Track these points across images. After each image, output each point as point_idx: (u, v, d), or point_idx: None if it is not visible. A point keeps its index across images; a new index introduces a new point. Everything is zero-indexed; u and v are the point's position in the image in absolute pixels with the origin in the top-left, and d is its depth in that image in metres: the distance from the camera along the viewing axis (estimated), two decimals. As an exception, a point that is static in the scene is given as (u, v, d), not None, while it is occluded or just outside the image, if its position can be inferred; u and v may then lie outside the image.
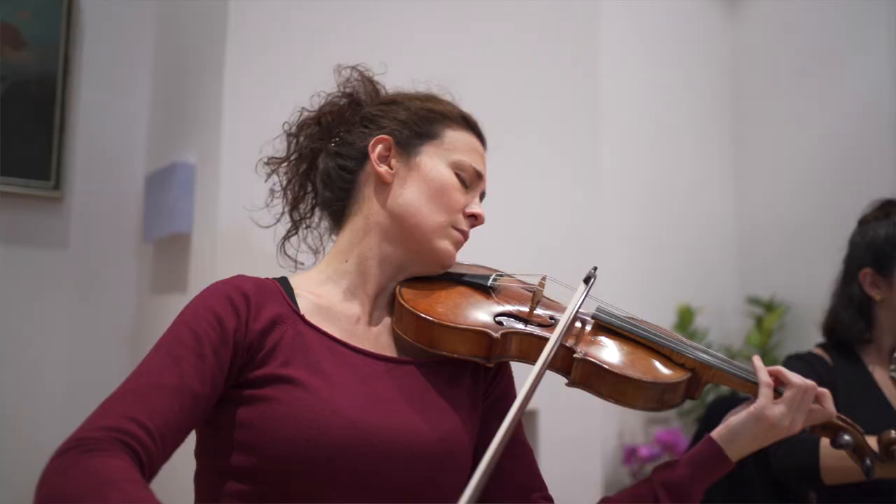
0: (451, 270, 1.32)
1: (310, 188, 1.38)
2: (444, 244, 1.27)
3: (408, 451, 1.11)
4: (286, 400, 1.08)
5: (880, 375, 1.98)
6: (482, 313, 1.23)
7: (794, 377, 1.21)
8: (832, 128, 3.47)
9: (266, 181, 1.39)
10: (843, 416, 1.29)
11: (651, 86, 3.67)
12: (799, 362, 2.03)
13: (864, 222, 2.10)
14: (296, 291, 1.23)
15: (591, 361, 1.17)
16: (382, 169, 1.27)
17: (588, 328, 1.26)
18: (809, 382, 1.20)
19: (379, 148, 1.28)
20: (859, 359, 2.00)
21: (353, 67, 1.40)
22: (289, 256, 1.39)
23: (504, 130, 2.93)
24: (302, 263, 1.38)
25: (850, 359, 2.01)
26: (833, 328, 2.06)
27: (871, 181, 2.80)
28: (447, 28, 2.70)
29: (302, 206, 1.38)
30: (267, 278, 1.24)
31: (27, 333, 2.41)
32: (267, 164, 1.38)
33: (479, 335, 1.18)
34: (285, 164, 1.38)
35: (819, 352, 2.06)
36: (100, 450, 0.95)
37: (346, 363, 1.16)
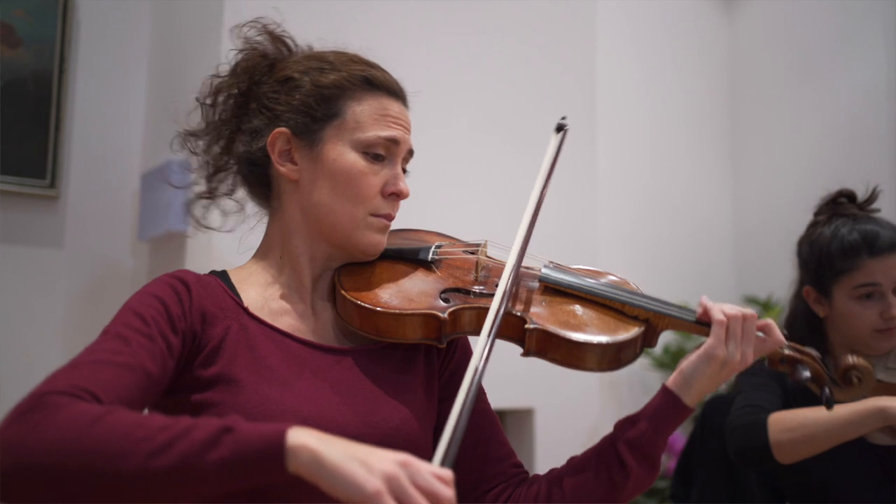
0: (389, 245, 1.25)
1: (232, 162, 1.27)
2: (367, 236, 1.20)
3: (363, 440, 1.05)
4: (234, 403, 1.05)
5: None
6: (427, 293, 1.19)
7: (728, 308, 1.18)
8: (828, 127, 3.47)
9: (181, 154, 1.31)
10: (795, 345, 1.27)
11: (647, 86, 3.68)
12: (762, 364, 2.01)
13: (812, 224, 2.06)
14: (236, 283, 1.20)
15: (542, 330, 1.14)
16: (286, 168, 1.19)
17: (536, 291, 1.21)
18: (747, 311, 1.17)
19: (278, 144, 1.19)
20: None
21: (254, 23, 1.29)
22: (195, 218, 1.29)
23: (500, 131, 2.94)
24: (212, 229, 1.30)
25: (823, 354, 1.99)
26: (788, 339, 2.03)
27: (867, 180, 2.79)
28: (444, 28, 2.70)
29: (222, 175, 1.28)
30: (207, 274, 1.20)
31: (23, 332, 2.40)
32: (183, 139, 1.29)
33: (426, 318, 1.15)
34: (203, 135, 1.27)
35: None
36: (63, 405, 0.90)
37: (293, 357, 1.13)
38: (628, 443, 1.16)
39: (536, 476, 1.23)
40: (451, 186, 2.65)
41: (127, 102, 2.60)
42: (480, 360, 1.00)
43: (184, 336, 1.09)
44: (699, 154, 3.84)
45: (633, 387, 3.34)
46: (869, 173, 3.23)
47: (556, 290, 1.22)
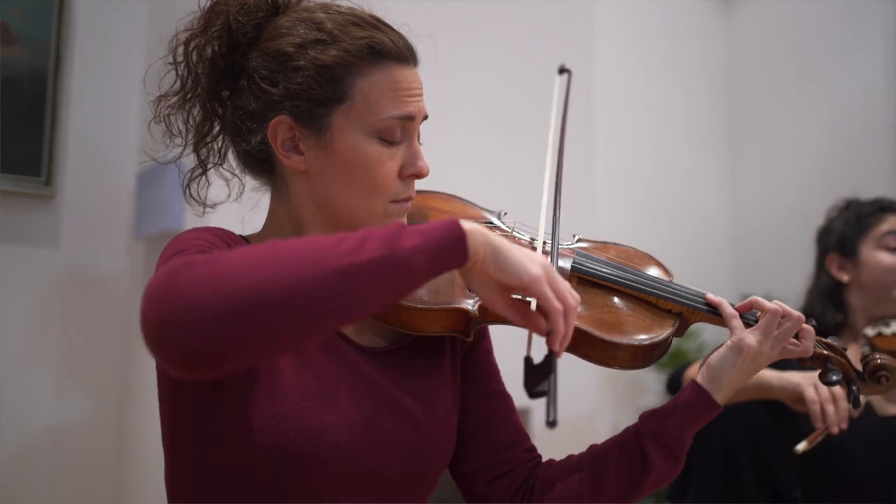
0: (411, 223, 1.17)
1: (217, 123, 1.14)
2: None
3: (403, 444, 1.06)
4: (279, 400, 0.98)
5: (853, 358, 1.99)
6: (454, 283, 1.12)
7: (769, 304, 1.16)
8: (827, 127, 3.47)
9: (155, 122, 1.17)
10: (825, 341, 1.25)
11: (645, 85, 3.67)
12: None
13: (828, 219, 2.16)
14: None
15: (576, 328, 1.08)
16: (292, 160, 1.07)
17: (571, 281, 1.16)
18: (785, 308, 1.16)
19: (280, 134, 1.06)
20: None
21: None
22: (196, 199, 1.17)
23: (498, 130, 2.93)
24: (213, 205, 1.19)
25: None
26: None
27: (865, 180, 2.80)
28: (443, 28, 2.69)
29: (209, 141, 1.15)
30: (227, 231, 1.10)
31: (18, 330, 2.40)
32: (159, 104, 1.16)
33: (454, 312, 1.09)
34: (182, 98, 1.14)
35: None
36: (213, 257, 0.80)
37: (333, 353, 1.05)
38: (654, 437, 1.12)
39: (551, 462, 1.19)
40: (450, 188, 2.64)
41: (123, 101, 2.60)
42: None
43: None
44: (698, 154, 3.83)
45: (630, 385, 3.33)
46: (867, 174, 3.24)
47: (589, 282, 1.18)
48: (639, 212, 3.58)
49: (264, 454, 0.97)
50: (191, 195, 1.17)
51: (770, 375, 1.74)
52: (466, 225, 0.89)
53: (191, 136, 1.15)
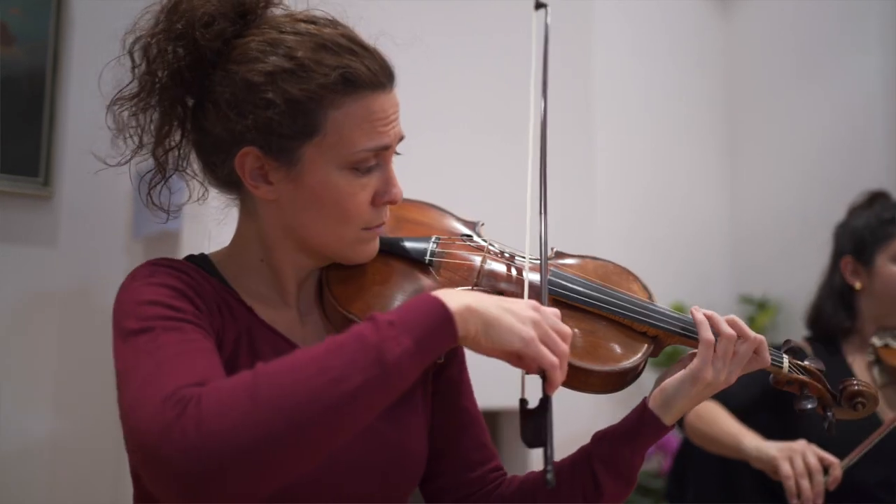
0: (382, 237, 1.14)
1: (176, 123, 1.10)
2: (360, 249, 1.09)
3: (370, 462, 1.05)
4: None
5: (858, 368, 1.99)
6: None
7: (725, 328, 1.11)
8: (826, 128, 3.46)
9: (113, 123, 1.14)
10: (799, 364, 1.22)
11: (644, 87, 3.67)
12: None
13: (850, 212, 2.13)
14: (227, 279, 1.08)
15: None
16: (261, 190, 1.04)
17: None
18: (741, 328, 1.11)
19: (248, 164, 1.03)
20: (839, 350, 2.01)
21: None
22: (157, 206, 1.13)
23: (496, 132, 2.93)
24: (177, 210, 1.16)
25: (830, 350, 2.02)
26: (815, 319, 2.08)
27: (864, 181, 2.78)
28: (441, 28, 2.69)
29: (168, 144, 1.11)
30: (188, 263, 1.07)
31: (16, 331, 2.39)
32: (115, 104, 1.12)
33: None
34: (147, 101, 1.09)
35: (802, 343, 2.08)
36: (204, 392, 0.80)
37: None
38: (604, 461, 1.12)
39: (513, 479, 1.19)
40: (449, 187, 2.64)
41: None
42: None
43: (213, 328, 0.99)
44: (697, 156, 3.83)
45: (630, 386, 3.32)
46: (867, 175, 3.24)
47: (562, 303, 1.14)
48: (638, 214, 3.58)
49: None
50: (151, 201, 1.13)
51: (749, 444, 1.76)
52: (452, 302, 0.86)
53: (147, 139, 1.11)
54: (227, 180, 1.09)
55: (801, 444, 1.70)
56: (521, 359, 0.91)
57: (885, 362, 1.92)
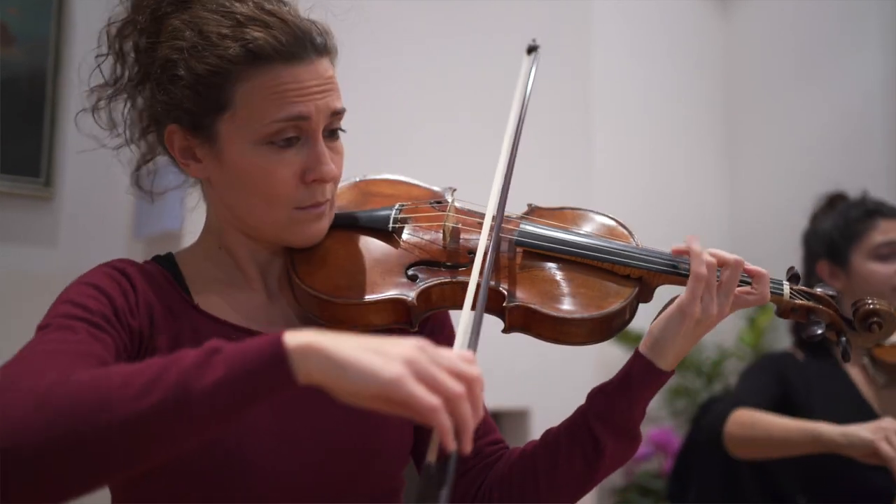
0: (343, 209, 1.10)
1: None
2: (299, 232, 1.05)
3: (337, 451, 1.02)
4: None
5: (853, 369, 1.98)
6: (390, 271, 1.05)
7: (706, 256, 1.04)
8: (825, 128, 3.47)
9: (95, 114, 1.12)
10: (806, 290, 1.12)
11: (643, 86, 3.67)
12: (767, 361, 2.06)
13: (814, 218, 2.12)
14: (186, 276, 1.08)
15: (523, 307, 1.03)
16: (191, 168, 1.05)
17: (515, 255, 1.08)
18: (719, 254, 1.05)
19: (175, 142, 1.04)
20: (831, 356, 2.00)
21: None
22: (141, 188, 1.15)
23: (494, 131, 2.92)
24: (160, 193, 1.17)
25: (822, 354, 2.01)
26: (798, 330, 2.07)
27: (863, 181, 2.78)
28: (439, 28, 2.69)
29: (152, 130, 1.11)
30: (149, 262, 1.08)
31: (15, 332, 2.39)
32: (97, 98, 1.11)
33: (392, 303, 1.03)
34: (120, 90, 1.10)
35: (793, 349, 2.08)
36: (13, 382, 0.77)
37: None
38: (601, 417, 1.05)
39: (515, 450, 1.14)
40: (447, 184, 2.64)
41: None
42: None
43: (130, 333, 0.97)
44: (696, 155, 3.83)
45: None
46: (865, 174, 3.24)
47: (535, 254, 1.09)
48: (637, 213, 3.56)
49: (184, 472, 0.95)
50: (138, 186, 1.15)
51: (832, 432, 1.66)
52: (294, 341, 0.74)
53: (128, 127, 1.12)
54: (177, 161, 1.09)
55: (890, 421, 1.64)
56: (393, 405, 0.74)
57: (881, 360, 1.90)
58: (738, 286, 1.07)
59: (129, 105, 1.10)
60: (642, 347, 1.06)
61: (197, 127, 1.02)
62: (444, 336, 1.18)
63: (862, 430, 1.64)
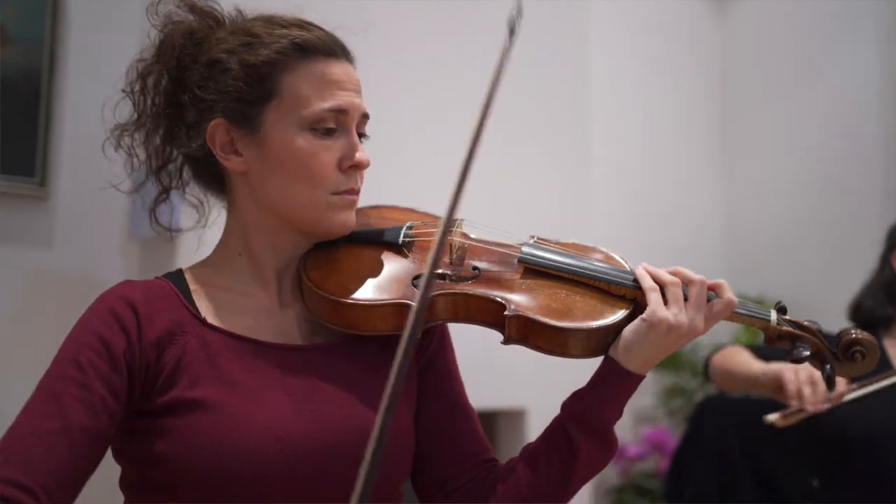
0: (356, 228, 1.17)
1: (177, 153, 1.19)
2: (334, 217, 1.11)
3: (336, 451, 1.04)
4: (198, 427, 1.00)
5: None
6: (398, 280, 1.12)
7: (666, 275, 1.11)
8: (821, 129, 3.48)
9: (116, 150, 1.23)
10: (791, 319, 1.18)
11: (640, 87, 3.68)
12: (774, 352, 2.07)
13: None
14: (192, 287, 1.12)
15: (523, 317, 1.08)
16: (231, 161, 1.11)
17: (517, 273, 1.15)
18: (686, 273, 1.11)
19: (217, 137, 1.10)
20: (879, 340, 2.02)
21: None
22: (161, 224, 1.23)
23: (492, 131, 2.92)
24: (179, 229, 1.24)
25: None
26: (856, 310, 2.11)
27: (859, 182, 2.81)
28: (436, 28, 2.69)
29: (171, 167, 1.20)
30: (159, 278, 1.14)
31: (11, 332, 2.39)
32: (118, 133, 1.21)
33: (397, 308, 1.08)
34: (138, 127, 1.19)
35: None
36: None
37: (260, 364, 1.06)
38: (575, 419, 1.10)
39: (502, 467, 1.17)
40: (445, 185, 2.64)
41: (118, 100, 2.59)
42: (400, 352, 0.82)
43: (130, 371, 1.02)
44: (693, 156, 3.84)
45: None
46: (861, 176, 3.25)
47: (537, 272, 1.15)
48: (633, 214, 3.58)
49: (196, 481, 1.00)
50: (157, 221, 1.23)
51: (757, 367, 1.76)
52: None
53: (151, 162, 1.20)
54: (209, 171, 1.16)
55: (808, 367, 1.67)
56: None
57: None
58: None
59: (148, 140, 1.19)
60: (611, 350, 1.11)
61: (242, 118, 1.09)
62: (441, 344, 1.22)
63: (778, 364, 1.72)
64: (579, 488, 1.13)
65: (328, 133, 1.09)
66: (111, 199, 2.57)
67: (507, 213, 2.86)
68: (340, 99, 1.09)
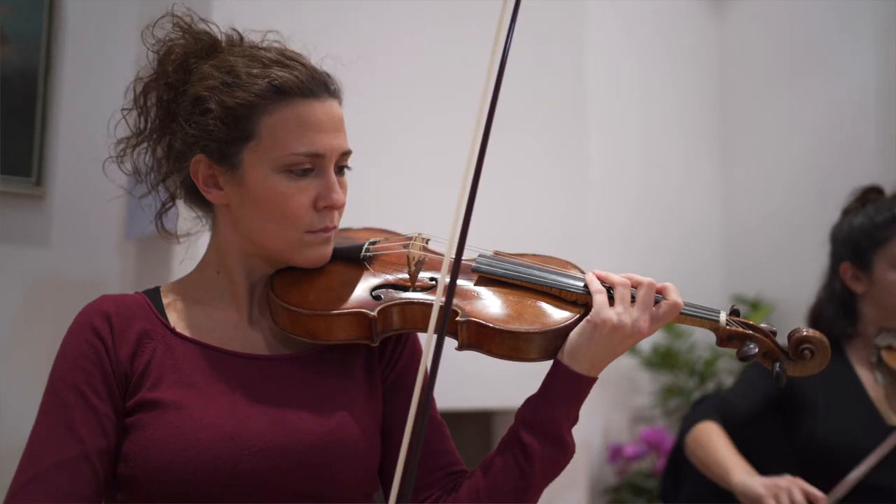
0: None
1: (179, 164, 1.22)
2: (307, 253, 1.16)
3: (292, 451, 1.07)
4: (156, 426, 1.05)
5: (863, 370, 1.98)
6: (358, 291, 1.17)
7: (616, 276, 1.14)
8: (819, 127, 3.48)
9: (120, 165, 1.27)
10: (741, 320, 1.21)
11: (638, 86, 3.68)
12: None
13: (844, 213, 2.10)
14: (165, 301, 1.18)
15: (474, 322, 1.11)
16: (213, 195, 1.16)
17: (470, 282, 1.19)
18: (637, 277, 1.14)
19: (200, 171, 1.15)
20: (843, 354, 2.00)
21: (167, 18, 1.22)
22: (168, 232, 1.27)
23: (492, 131, 2.92)
24: (187, 234, 1.28)
25: (833, 355, 2.01)
26: (816, 324, 2.06)
27: (857, 182, 2.80)
28: (433, 28, 2.69)
29: (175, 178, 1.22)
30: (136, 293, 1.19)
31: (8, 331, 2.39)
32: (123, 147, 1.25)
33: (355, 317, 1.12)
34: (143, 140, 1.23)
35: None
36: None
37: (221, 371, 1.11)
38: (527, 423, 1.12)
39: (465, 477, 1.19)
40: (445, 186, 2.64)
41: (114, 101, 2.59)
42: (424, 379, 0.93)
43: (117, 378, 1.09)
44: (690, 155, 3.84)
45: (623, 386, 3.33)
46: (859, 175, 3.25)
47: (491, 280, 1.19)
48: (631, 214, 3.58)
49: (158, 479, 1.04)
50: (163, 228, 1.26)
51: (736, 479, 1.75)
52: None
53: (153, 173, 1.24)
54: (199, 198, 1.20)
55: (787, 480, 1.69)
56: None
57: (889, 365, 1.90)
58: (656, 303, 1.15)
59: (150, 153, 1.23)
60: (559, 353, 1.13)
61: (223, 155, 1.13)
62: (412, 356, 1.24)
63: (757, 484, 1.70)
64: (539, 494, 1.14)
65: (304, 174, 1.12)
66: (107, 199, 2.57)
67: (504, 215, 2.87)
68: (318, 143, 1.11)
